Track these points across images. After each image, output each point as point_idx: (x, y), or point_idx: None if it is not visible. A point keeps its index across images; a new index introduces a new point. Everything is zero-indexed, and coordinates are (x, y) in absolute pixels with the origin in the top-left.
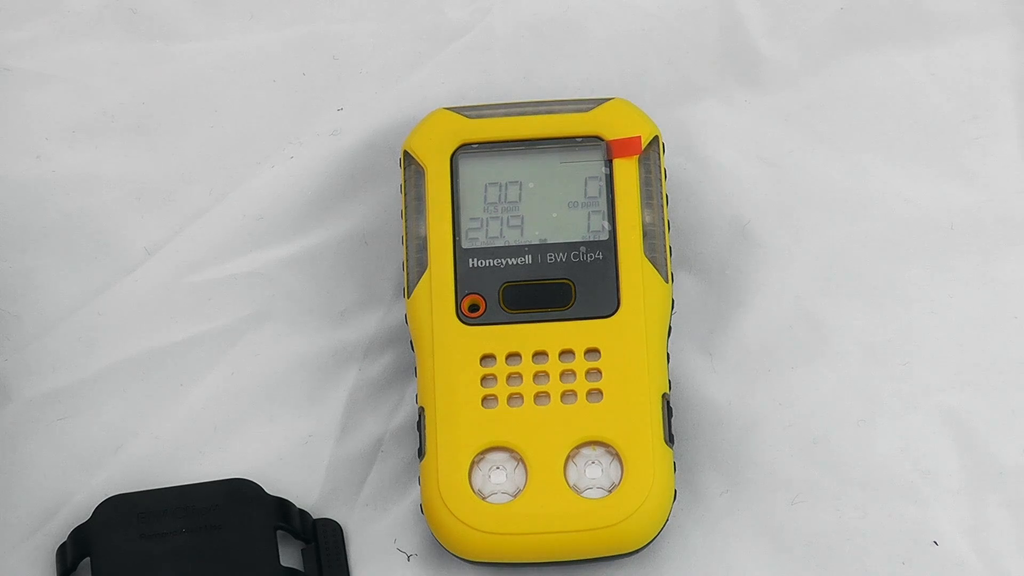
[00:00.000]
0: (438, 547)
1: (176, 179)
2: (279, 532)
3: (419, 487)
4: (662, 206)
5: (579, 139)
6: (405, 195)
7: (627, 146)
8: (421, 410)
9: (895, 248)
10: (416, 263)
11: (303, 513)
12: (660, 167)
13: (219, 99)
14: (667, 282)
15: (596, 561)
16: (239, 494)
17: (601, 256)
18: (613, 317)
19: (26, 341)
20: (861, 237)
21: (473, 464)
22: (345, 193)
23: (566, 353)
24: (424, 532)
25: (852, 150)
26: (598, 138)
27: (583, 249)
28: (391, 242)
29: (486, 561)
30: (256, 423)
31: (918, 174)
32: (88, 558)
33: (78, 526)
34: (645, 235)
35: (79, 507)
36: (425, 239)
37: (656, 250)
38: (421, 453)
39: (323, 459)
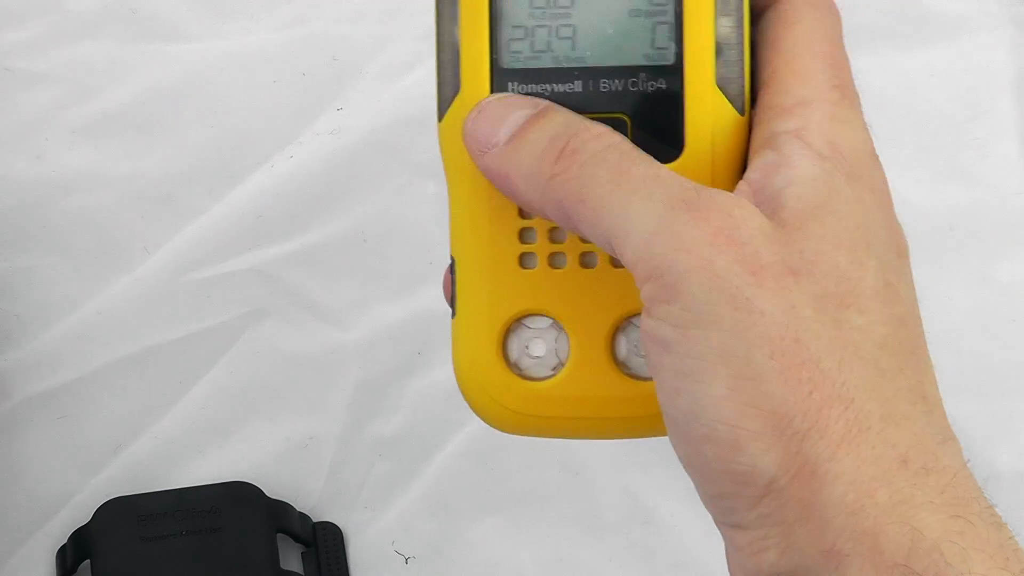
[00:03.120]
0: (437, 548)
1: (176, 179)
2: (279, 535)
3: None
4: (742, 18)
5: None
6: None
7: None
8: (453, 260)
9: None
10: (450, 78)
11: (303, 516)
12: None
13: (219, 99)
14: (742, 114)
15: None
16: (239, 497)
17: (664, 85)
18: (676, 163)
19: (26, 340)
20: None
21: (508, 332)
22: (345, 192)
23: None
24: (423, 534)
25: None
26: None
27: (643, 76)
28: (391, 241)
29: (521, 435)
30: (256, 423)
31: (918, 174)
32: (88, 560)
33: (78, 528)
34: (719, 53)
35: (79, 507)
36: (459, 51)
37: (731, 73)
38: (453, 310)
39: (323, 461)
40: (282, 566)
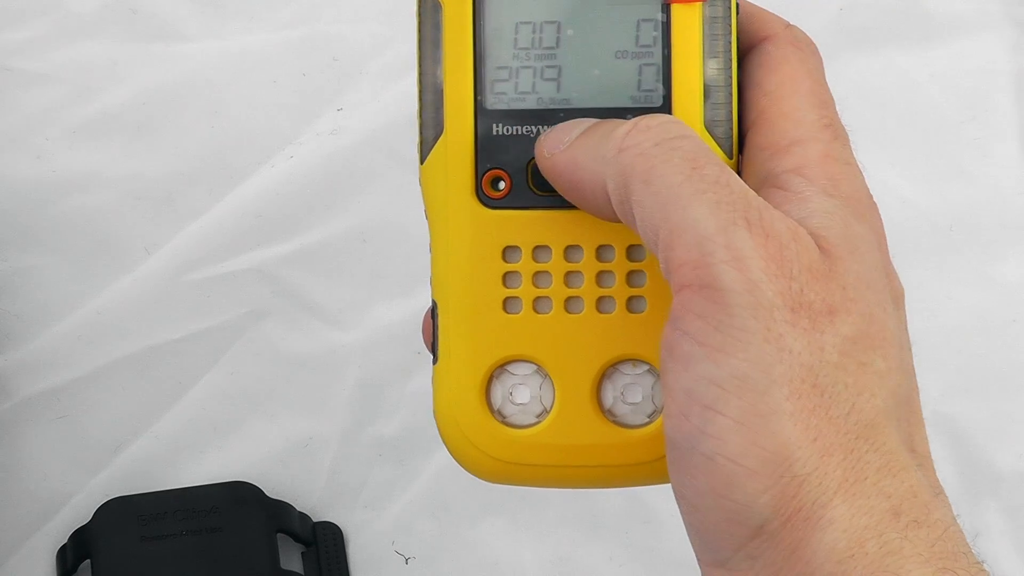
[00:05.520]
0: (437, 548)
1: (176, 179)
2: (279, 535)
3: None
4: (730, 60)
5: None
6: (420, 31)
7: None
8: (434, 304)
9: (894, 249)
10: (432, 120)
11: (303, 516)
12: (731, 14)
13: (219, 99)
14: (731, 158)
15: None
16: (239, 497)
17: None
18: None
19: (26, 340)
20: None
21: (492, 378)
22: (344, 192)
23: (605, 249)
24: (423, 534)
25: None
26: None
27: (630, 118)
28: (390, 240)
29: (503, 483)
30: (256, 423)
31: (918, 174)
32: (88, 560)
33: (78, 528)
34: (707, 95)
35: (79, 507)
36: (442, 92)
37: (719, 116)
38: (435, 356)
39: (323, 461)
40: (282, 566)
